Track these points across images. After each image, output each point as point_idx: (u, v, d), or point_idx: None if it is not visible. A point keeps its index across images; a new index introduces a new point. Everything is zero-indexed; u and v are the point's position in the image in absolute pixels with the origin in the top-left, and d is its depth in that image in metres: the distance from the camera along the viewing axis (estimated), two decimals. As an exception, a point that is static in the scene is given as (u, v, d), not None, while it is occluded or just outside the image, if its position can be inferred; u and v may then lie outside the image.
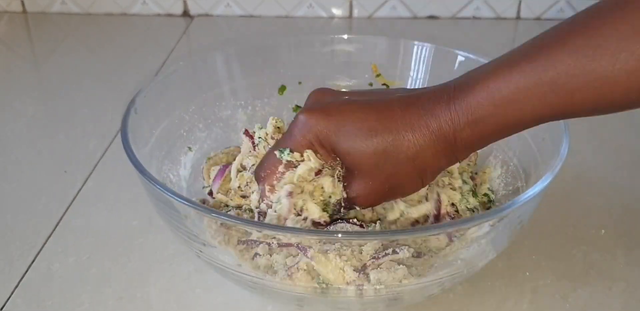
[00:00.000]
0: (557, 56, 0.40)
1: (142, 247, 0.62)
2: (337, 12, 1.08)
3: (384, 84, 0.66)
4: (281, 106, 0.67)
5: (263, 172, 0.49)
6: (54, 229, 0.64)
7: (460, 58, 0.63)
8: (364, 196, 0.48)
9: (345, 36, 0.68)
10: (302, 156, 0.48)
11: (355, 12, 1.08)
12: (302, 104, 0.66)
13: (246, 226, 0.47)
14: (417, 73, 0.66)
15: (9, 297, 0.56)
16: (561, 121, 0.52)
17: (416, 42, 0.66)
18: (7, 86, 0.91)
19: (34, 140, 0.79)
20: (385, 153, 0.45)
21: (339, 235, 0.45)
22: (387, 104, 0.46)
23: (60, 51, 1.00)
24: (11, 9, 1.11)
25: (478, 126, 0.43)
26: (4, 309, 0.55)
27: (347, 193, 0.48)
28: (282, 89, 0.67)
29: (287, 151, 0.48)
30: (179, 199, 0.46)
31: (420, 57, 0.66)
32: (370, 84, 0.67)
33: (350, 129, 0.46)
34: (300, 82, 0.67)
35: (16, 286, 0.57)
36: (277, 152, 0.48)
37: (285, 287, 0.48)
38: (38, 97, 0.89)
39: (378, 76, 0.66)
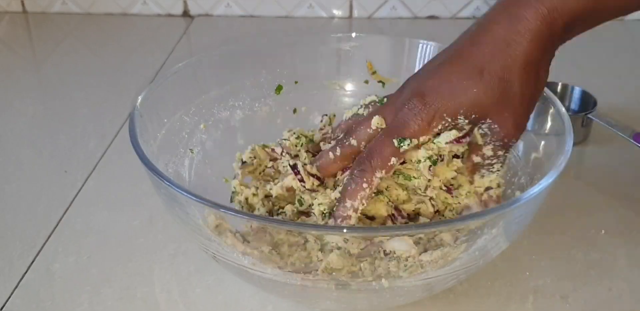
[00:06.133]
0: None
1: (142, 247, 0.61)
2: (337, 12, 1.08)
3: (379, 82, 0.66)
4: (278, 105, 0.67)
5: (372, 161, 0.49)
6: (54, 229, 0.64)
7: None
8: (516, 127, 0.49)
9: (340, 35, 0.68)
10: (419, 143, 0.48)
11: (355, 12, 1.08)
12: (298, 105, 0.67)
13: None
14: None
15: (9, 297, 0.56)
16: (564, 117, 0.52)
17: (402, 39, 0.66)
18: (7, 86, 0.91)
19: (34, 140, 0.79)
20: (503, 78, 0.47)
21: (344, 230, 0.45)
22: (476, 35, 0.49)
23: (60, 51, 1.00)
24: (11, 9, 1.11)
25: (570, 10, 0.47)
26: (3, 309, 0.55)
27: (501, 137, 0.49)
28: (279, 88, 0.67)
29: (408, 141, 0.48)
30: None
31: (405, 54, 0.66)
32: (366, 82, 0.67)
33: (457, 85, 0.47)
34: (296, 82, 0.67)
35: (16, 287, 0.57)
36: (395, 141, 0.48)
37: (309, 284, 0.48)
38: (38, 97, 0.89)
39: (374, 73, 0.66)
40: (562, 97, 0.79)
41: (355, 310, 0.55)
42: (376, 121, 0.51)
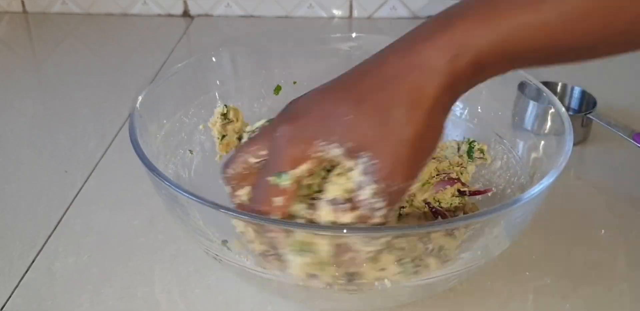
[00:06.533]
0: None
1: (143, 247, 0.62)
2: (337, 12, 1.08)
3: None
4: (277, 106, 0.67)
5: (260, 210, 0.44)
6: (54, 229, 0.64)
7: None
8: (395, 169, 0.42)
9: (340, 35, 0.68)
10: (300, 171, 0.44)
11: (355, 13, 1.08)
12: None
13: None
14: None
15: (9, 297, 0.56)
16: (564, 117, 0.52)
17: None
18: (7, 86, 0.91)
19: (34, 140, 0.79)
20: (384, 110, 0.41)
21: (344, 231, 0.45)
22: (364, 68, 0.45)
23: (60, 51, 1.00)
24: (12, 9, 1.11)
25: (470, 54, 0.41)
26: (4, 309, 0.56)
27: (380, 176, 0.42)
28: (278, 89, 0.67)
29: (285, 175, 0.43)
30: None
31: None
32: None
33: (332, 110, 0.43)
34: (295, 82, 0.67)
35: (16, 286, 0.57)
36: (271, 179, 0.44)
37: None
38: (38, 97, 0.89)
39: None
40: (562, 97, 0.79)
41: (357, 309, 0.55)
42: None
